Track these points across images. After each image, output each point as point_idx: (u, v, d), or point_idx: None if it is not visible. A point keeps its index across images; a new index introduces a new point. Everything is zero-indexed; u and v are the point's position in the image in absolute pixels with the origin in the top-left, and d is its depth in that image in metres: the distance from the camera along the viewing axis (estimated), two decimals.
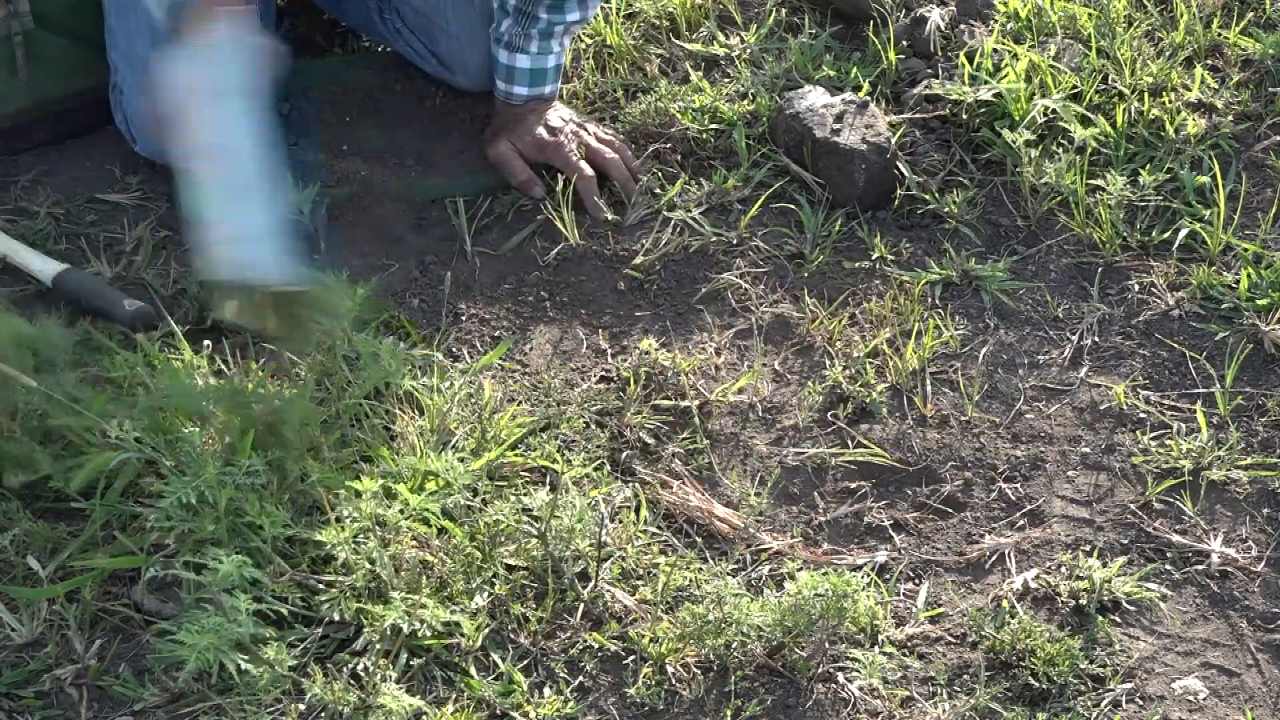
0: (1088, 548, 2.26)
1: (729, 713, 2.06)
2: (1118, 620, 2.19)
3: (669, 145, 2.81)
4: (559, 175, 2.70)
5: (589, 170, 2.71)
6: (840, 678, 2.10)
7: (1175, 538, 2.28)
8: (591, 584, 2.15)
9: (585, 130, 2.76)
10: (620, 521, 2.22)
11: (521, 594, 2.15)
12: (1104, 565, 2.23)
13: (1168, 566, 2.25)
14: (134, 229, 2.64)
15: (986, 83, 2.82)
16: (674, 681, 2.09)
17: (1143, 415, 2.44)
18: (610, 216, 2.68)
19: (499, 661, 2.08)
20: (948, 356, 2.52)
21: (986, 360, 2.52)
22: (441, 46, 2.81)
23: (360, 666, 2.03)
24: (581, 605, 2.14)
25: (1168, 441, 2.39)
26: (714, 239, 2.67)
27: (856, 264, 2.65)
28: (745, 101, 2.87)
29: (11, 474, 2.19)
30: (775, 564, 2.21)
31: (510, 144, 2.74)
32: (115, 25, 2.67)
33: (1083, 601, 2.18)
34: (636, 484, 2.29)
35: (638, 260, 2.63)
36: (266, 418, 2.14)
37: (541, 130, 2.74)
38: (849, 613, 2.09)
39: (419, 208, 2.74)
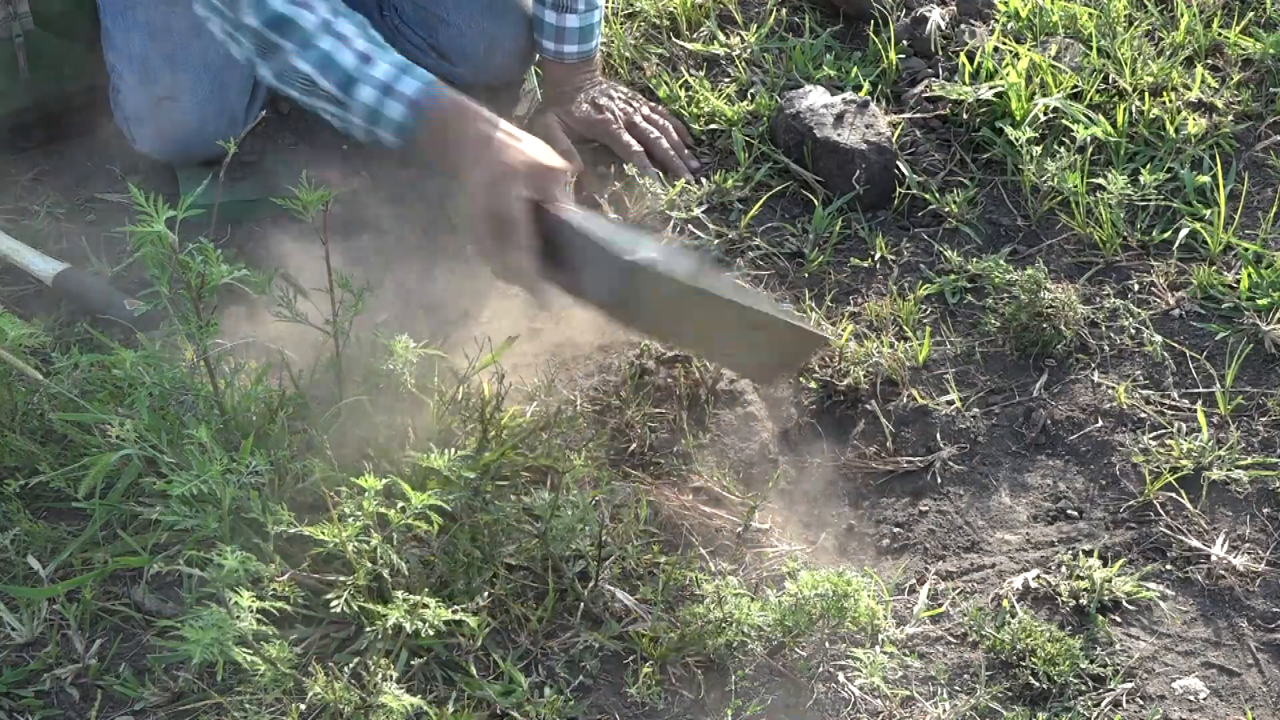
0: (1088, 548, 2.26)
1: (729, 713, 2.06)
2: (1118, 620, 2.19)
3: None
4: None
5: (636, 146, 2.76)
6: (841, 677, 2.10)
7: (1176, 537, 2.28)
8: (591, 584, 2.15)
9: (632, 107, 2.81)
10: (620, 521, 2.22)
11: (521, 594, 2.15)
12: (1104, 565, 2.23)
13: (1168, 566, 2.25)
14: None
15: (988, 80, 2.82)
16: (674, 681, 2.09)
17: (1143, 415, 2.43)
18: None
19: (499, 661, 2.08)
20: (948, 357, 2.52)
21: (987, 359, 2.52)
22: (441, 38, 2.80)
23: (361, 665, 2.03)
24: (581, 605, 2.14)
25: (1168, 441, 2.39)
26: (715, 238, 2.67)
27: (857, 264, 2.65)
28: (745, 101, 2.87)
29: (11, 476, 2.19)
30: (775, 564, 2.21)
31: (557, 116, 2.79)
32: (110, 26, 2.67)
33: (1083, 601, 2.18)
34: (636, 484, 2.29)
35: None
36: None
37: (588, 107, 2.78)
38: (849, 612, 2.09)
39: (418, 207, 2.73)
